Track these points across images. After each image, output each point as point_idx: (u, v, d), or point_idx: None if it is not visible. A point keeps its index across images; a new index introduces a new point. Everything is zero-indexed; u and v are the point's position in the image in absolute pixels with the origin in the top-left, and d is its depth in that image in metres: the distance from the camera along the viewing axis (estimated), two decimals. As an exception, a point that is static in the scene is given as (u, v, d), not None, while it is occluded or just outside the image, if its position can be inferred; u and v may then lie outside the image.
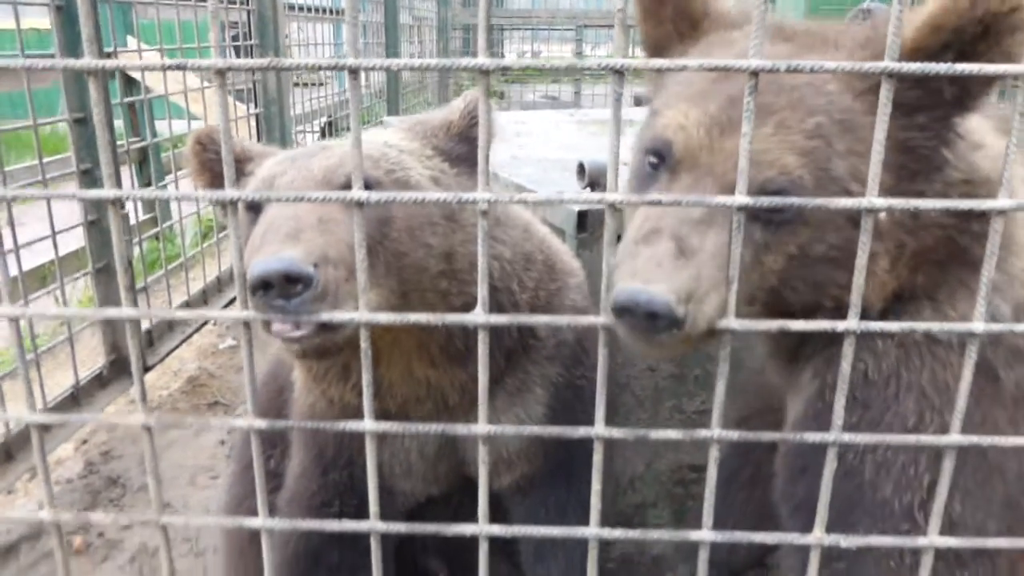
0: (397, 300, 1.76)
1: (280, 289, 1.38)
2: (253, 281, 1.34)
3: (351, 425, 1.34)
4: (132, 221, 4.24)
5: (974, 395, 1.57)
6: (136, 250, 4.17)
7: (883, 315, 1.65)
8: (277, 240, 1.46)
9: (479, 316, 1.22)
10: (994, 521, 1.64)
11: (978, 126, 1.68)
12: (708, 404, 1.20)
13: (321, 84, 8.33)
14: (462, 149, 1.95)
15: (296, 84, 7.42)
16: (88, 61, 1.07)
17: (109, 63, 1.08)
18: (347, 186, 1.63)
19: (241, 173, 1.93)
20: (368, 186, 1.66)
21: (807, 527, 1.68)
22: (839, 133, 1.48)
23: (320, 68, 1.10)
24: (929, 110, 1.49)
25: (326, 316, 1.35)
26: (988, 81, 1.45)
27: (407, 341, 1.89)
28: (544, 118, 5.17)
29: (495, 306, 2.00)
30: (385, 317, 1.24)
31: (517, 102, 11.88)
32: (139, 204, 5.28)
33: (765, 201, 1.15)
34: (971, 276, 1.63)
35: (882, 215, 1.51)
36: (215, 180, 2.03)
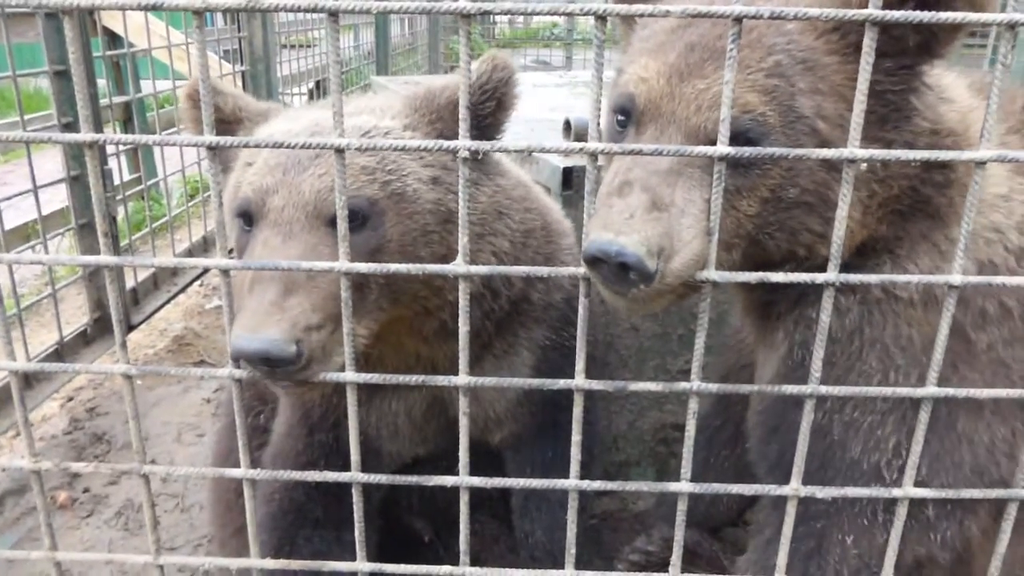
0: (389, 316, 1.74)
1: (263, 365, 1.39)
2: (235, 356, 1.35)
3: (333, 376, 1.35)
4: (117, 181, 4.19)
5: (948, 357, 1.59)
6: (121, 210, 4.13)
7: (845, 270, 1.65)
8: (264, 305, 1.43)
9: (459, 267, 1.22)
10: (963, 487, 1.66)
11: (952, 83, 1.68)
12: (691, 363, 1.22)
13: (310, 46, 8.21)
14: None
15: (284, 46, 7.31)
16: (62, -1, 1.05)
17: (84, 1, 1.06)
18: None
19: (234, 133, 1.89)
20: (361, 212, 1.63)
21: (780, 484, 1.72)
22: (801, 72, 1.46)
23: (299, 10, 1.08)
24: (895, 56, 1.47)
25: (318, 377, 1.36)
26: (954, 29, 1.43)
27: (400, 327, 1.88)
28: (534, 80, 5.12)
29: (491, 292, 1.97)
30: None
31: (508, 66, 11.75)
32: (124, 163, 5.23)
33: (747, 151, 1.15)
34: (932, 229, 1.64)
35: (862, 165, 1.51)
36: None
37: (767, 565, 1.85)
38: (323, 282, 1.49)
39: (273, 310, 1.43)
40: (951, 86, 1.67)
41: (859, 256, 1.66)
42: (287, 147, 1.17)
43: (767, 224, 1.53)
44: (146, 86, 5.04)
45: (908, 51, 1.47)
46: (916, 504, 1.64)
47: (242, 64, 5.33)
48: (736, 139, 1.39)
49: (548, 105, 3.90)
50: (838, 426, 1.69)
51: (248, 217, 1.66)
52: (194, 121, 1.96)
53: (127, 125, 5.10)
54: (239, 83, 5.37)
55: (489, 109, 1.79)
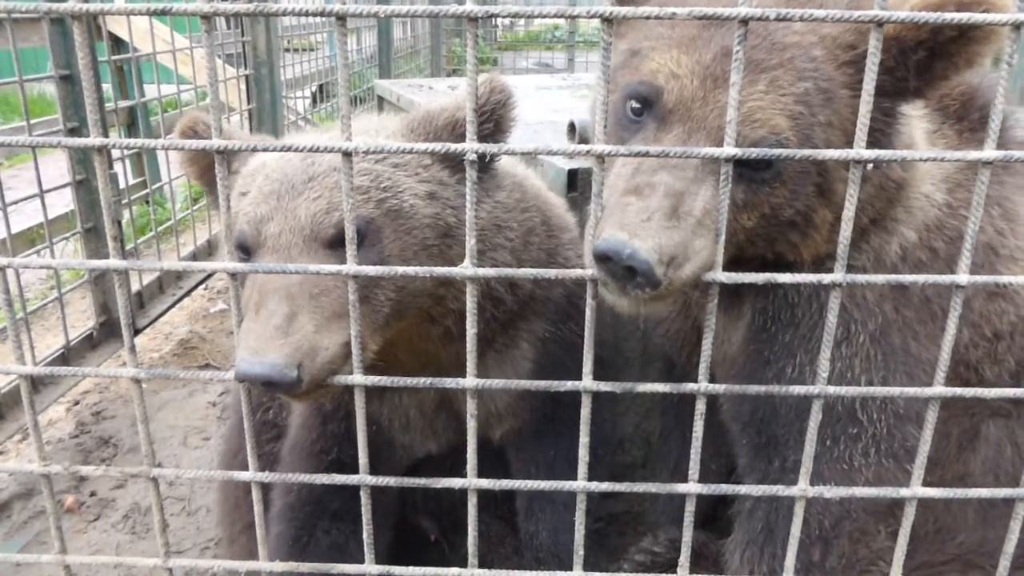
0: (394, 329, 1.77)
1: (264, 387, 1.42)
2: (239, 378, 1.37)
3: (341, 379, 1.36)
4: (121, 185, 4.20)
5: (888, 300, 1.79)
6: (126, 214, 4.14)
7: (817, 266, 1.76)
8: (269, 328, 1.46)
9: (467, 269, 1.23)
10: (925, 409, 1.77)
11: (915, 128, 1.81)
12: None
13: (312, 50, 8.23)
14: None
15: (287, 49, 7.33)
16: (72, 4, 1.06)
17: (92, 6, 1.07)
18: (335, 239, 1.60)
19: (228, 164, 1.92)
20: (358, 231, 1.63)
21: (755, 441, 1.91)
22: (821, 103, 1.51)
23: (307, 14, 1.08)
24: (891, 96, 1.54)
25: (327, 384, 1.41)
26: (947, 76, 1.51)
27: (407, 331, 1.90)
28: (536, 82, 5.13)
29: (492, 301, 2.01)
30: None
31: (510, 69, 11.76)
32: (129, 168, 5.24)
33: (754, 152, 1.15)
34: (882, 219, 1.79)
35: (840, 185, 1.59)
36: (207, 169, 2.02)
37: (752, 531, 1.97)
38: (327, 302, 1.51)
39: (277, 334, 1.45)
40: (913, 133, 1.80)
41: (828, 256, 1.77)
42: (295, 150, 1.18)
43: (755, 234, 1.63)
44: (150, 91, 5.05)
45: (904, 92, 1.54)
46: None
47: (246, 68, 5.35)
48: (760, 159, 1.45)
49: (551, 107, 3.91)
50: (810, 378, 1.78)
51: (246, 249, 1.67)
52: (191, 154, 2.02)
53: (131, 130, 5.10)
54: (243, 86, 5.38)
55: (488, 131, 1.82)
